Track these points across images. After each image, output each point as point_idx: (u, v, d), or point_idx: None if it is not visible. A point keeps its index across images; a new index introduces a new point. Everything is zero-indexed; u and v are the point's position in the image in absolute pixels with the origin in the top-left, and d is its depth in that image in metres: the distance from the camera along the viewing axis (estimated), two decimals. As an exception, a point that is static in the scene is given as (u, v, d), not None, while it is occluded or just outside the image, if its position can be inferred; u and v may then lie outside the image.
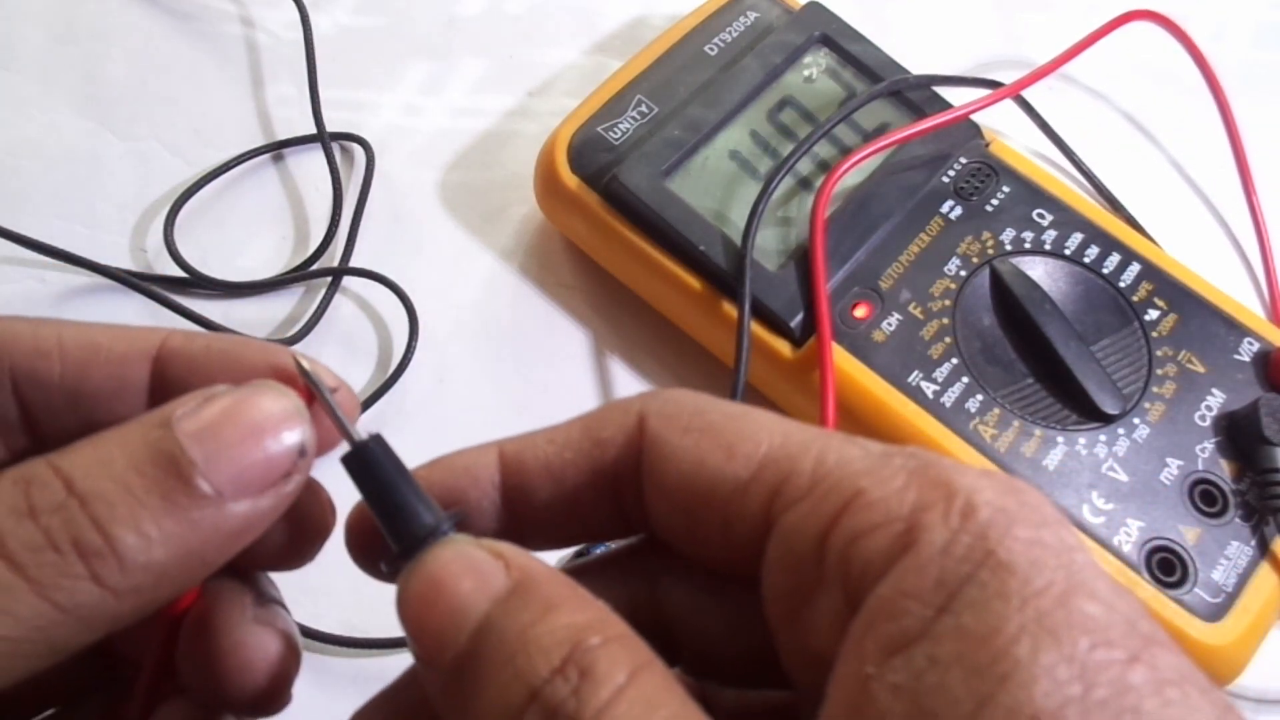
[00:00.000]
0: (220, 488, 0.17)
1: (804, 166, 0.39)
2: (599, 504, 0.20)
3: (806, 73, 0.41)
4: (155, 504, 0.17)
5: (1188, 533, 0.33)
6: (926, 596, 0.15)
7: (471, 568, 0.17)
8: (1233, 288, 0.38)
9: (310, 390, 0.19)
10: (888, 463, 0.17)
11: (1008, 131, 0.44)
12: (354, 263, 0.42)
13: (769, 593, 0.18)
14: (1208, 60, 0.45)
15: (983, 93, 0.40)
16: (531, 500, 0.20)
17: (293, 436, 0.18)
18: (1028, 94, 0.43)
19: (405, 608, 0.17)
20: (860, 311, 0.36)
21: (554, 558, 0.19)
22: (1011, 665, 0.14)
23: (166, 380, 0.20)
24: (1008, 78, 0.41)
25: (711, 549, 0.19)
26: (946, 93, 0.41)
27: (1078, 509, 0.33)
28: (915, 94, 0.40)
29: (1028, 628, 0.14)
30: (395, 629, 0.34)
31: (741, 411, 0.19)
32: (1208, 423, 0.35)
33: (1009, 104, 0.43)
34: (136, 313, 0.40)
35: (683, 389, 0.20)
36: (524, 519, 0.20)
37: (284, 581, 0.23)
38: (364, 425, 0.36)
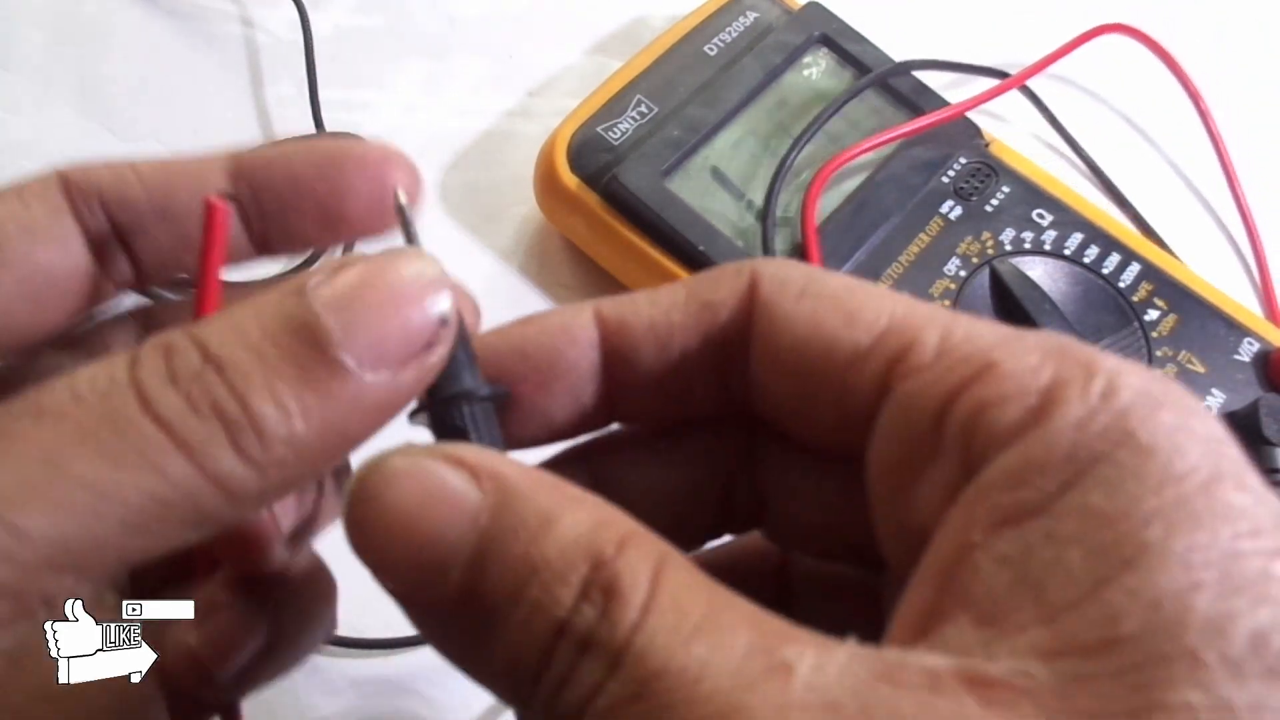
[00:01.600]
0: (359, 358, 0.16)
1: (805, 166, 0.39)
2: (703, 372, 0.19)
3: (806, 73, 0.41)
4: (291, 375, 0.16)
5: (1187, 533, 0.33)
6: (1053, 470, 0.14)
7: (435, 489, 0.15)
8: (1232, 288, 0.38)
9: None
10: (1022, 340, 0.16)
11: (1008, 131, 0.44)
12: (354, 263, 0.42)
13: (875, 465, 0.17)
14: (1182, 66, 0.45)
15: (981, 86, 0.40)
16: (634, 365, 0.19)
17: (436, 304, 0.17)
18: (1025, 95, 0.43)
19: (364, 541, 0.16)
20: (860, 311, 0.36)
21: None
22: (1137, 549, 0.13)
23: (255, 187, 0.20)
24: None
25: (817, 422, 0.18)
26: (946, 93, 0.41)
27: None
28: (914, 94, 0.40)
29: (1163, 512, 0.13)
30: (395, 629, 0.34)
31: (858, 284, 0.18)
32: (1207, 423, 0.35)
33: (1009, 104, 0.43)
34: (136, 313, 0.40)
35: (791, 260, 0.19)
36: (624, 386, 0.19)
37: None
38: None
